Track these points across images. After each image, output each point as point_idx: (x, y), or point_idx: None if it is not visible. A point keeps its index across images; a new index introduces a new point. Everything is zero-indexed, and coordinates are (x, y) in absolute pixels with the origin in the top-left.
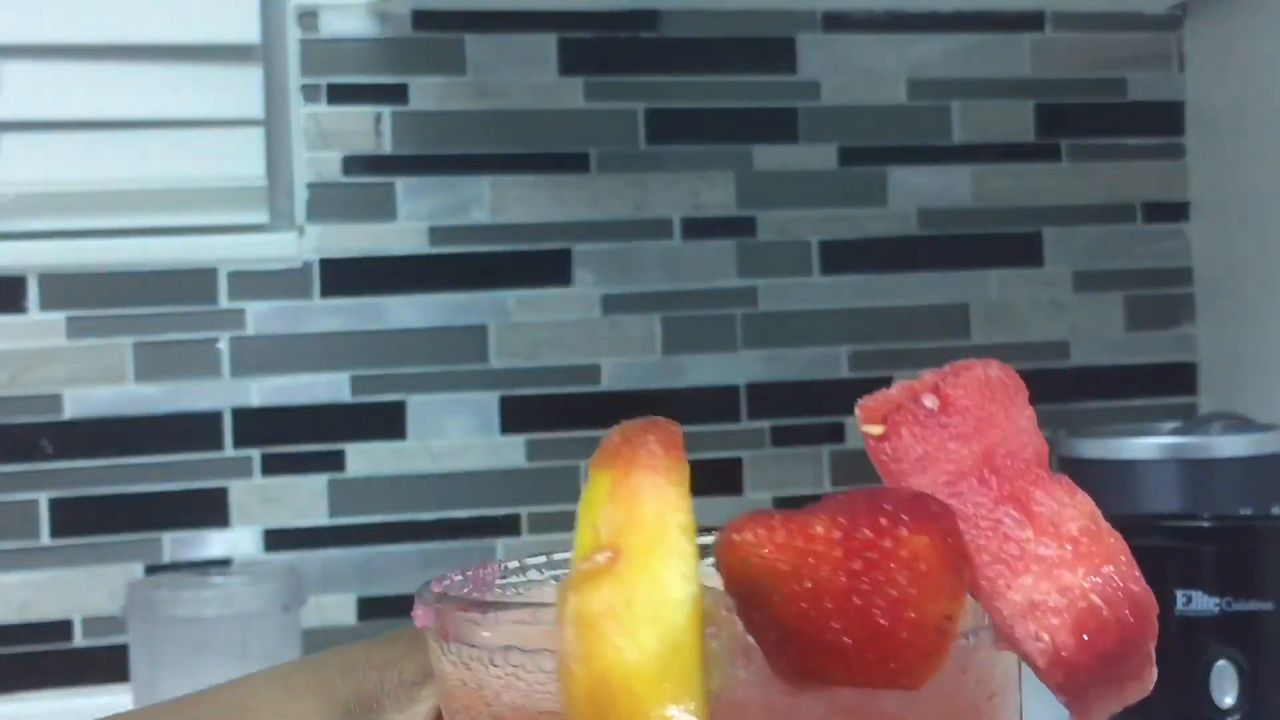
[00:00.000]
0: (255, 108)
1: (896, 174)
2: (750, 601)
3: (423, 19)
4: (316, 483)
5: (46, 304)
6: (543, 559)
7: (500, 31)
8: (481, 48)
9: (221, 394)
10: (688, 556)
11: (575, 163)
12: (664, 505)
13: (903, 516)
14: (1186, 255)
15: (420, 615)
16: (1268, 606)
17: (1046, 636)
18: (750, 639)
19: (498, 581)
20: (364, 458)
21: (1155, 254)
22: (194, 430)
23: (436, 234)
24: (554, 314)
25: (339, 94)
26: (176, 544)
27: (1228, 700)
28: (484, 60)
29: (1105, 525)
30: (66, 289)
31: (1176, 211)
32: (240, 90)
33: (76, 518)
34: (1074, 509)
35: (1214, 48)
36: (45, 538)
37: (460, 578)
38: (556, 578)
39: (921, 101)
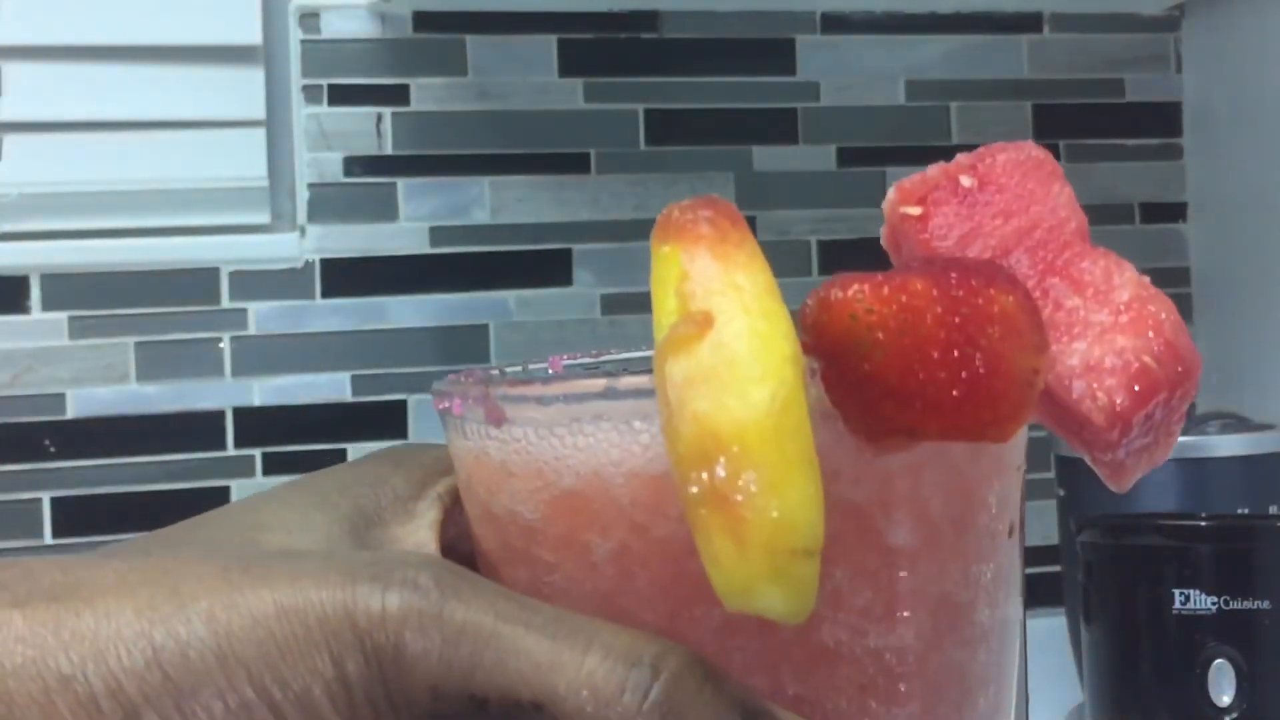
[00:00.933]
0: (257, 109)
1: (895, 175)
2: (848, 358)
3: (424, 20)
4: None
5: (49, 304)
6: (583, 360)
7: (501, 33)
8: (482, 49)
9: (223, 393)
10: (784, 316)
11: (575, 163)
12: (751, 269)
13: (992, 278)
14: (1184, 255)
15: (458, 403)
16: (1265, 605)
17: (1103, 395)
18: (827, 401)
19: (514, 375)
20: None
21: (1153, 254)
22: (196, 429)
23: (437, 234)
24: (554, 313)
25: (340, 95)
26: None
27: (1225, 698)
28: (484, 62)
29: (1153, 290)
30: (69, 289)
31: (1174, 212)
32: (242, 91)
33: (79, 516)
34: (1119, 276)
35: (1211, 48)
36: (48, 536)
37: (482, 373)
38: (612, 367)
39: (920, 102)
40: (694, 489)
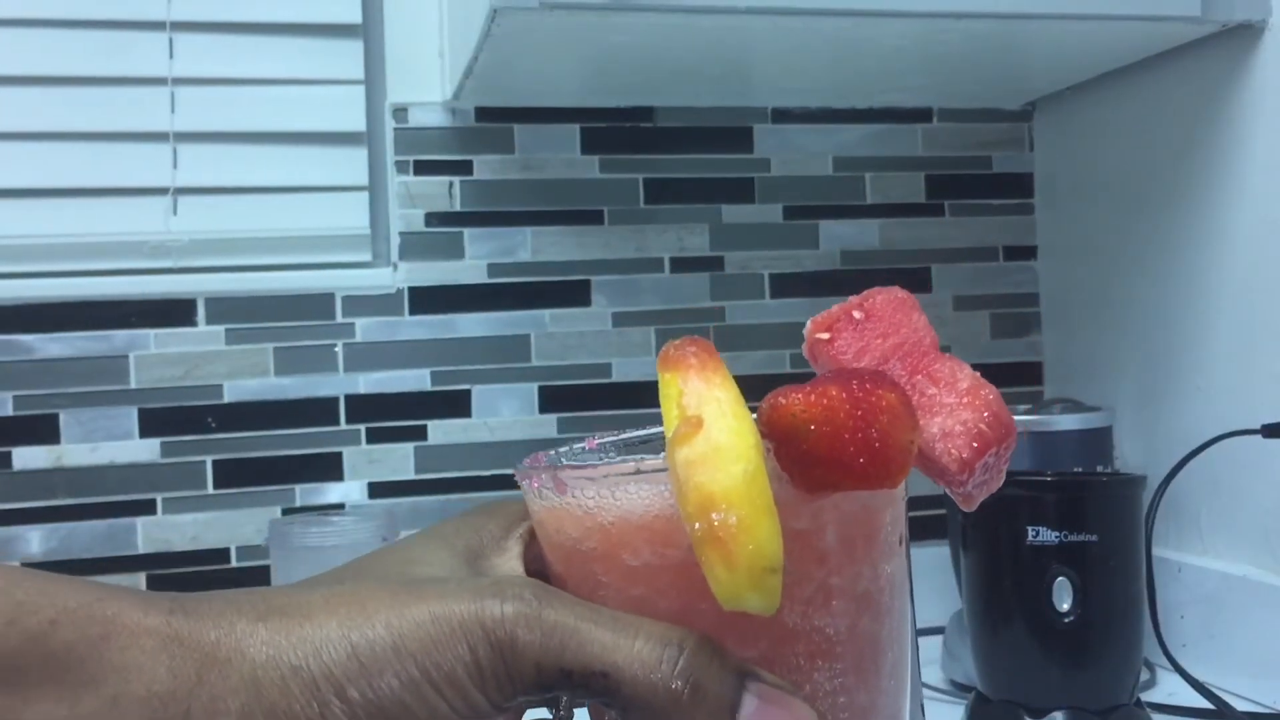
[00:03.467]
0: (361, 177)
1: (825, 225)
2: (790, 442)
3: (483, 114)
4: (406, 449)
5: (211, 319)
6: (610, 439)
7: (539, 123)
8: (526, 135)
9: (337, 384)
10: (748, 416)
11: (593, 217)
12: (724, 389)
13: (879, 383)
14: (1035, 284)
15: (536, 480)
16: (1094, 538)
17: (955, 452)
18: (779, 469)
19: (572, 458)
20: (441, 431)
21: (1012, 283)
22: (317, 411)
23: (493, 269)
24: (578, 326)
25: (422, 168)
26: (305, 493)
27: (1065, 605)
28: (527, 143)
29: (982, 380)
30: (225, 308)
31: (1027, 253)
32: (351, 165)
33: (232, 473)
34: (960, 373)
35: (1055, 134)
36: (210, 488)
37: (548, 456)
38: (622, 446)
39: (843, 173)
40: (698, 531)
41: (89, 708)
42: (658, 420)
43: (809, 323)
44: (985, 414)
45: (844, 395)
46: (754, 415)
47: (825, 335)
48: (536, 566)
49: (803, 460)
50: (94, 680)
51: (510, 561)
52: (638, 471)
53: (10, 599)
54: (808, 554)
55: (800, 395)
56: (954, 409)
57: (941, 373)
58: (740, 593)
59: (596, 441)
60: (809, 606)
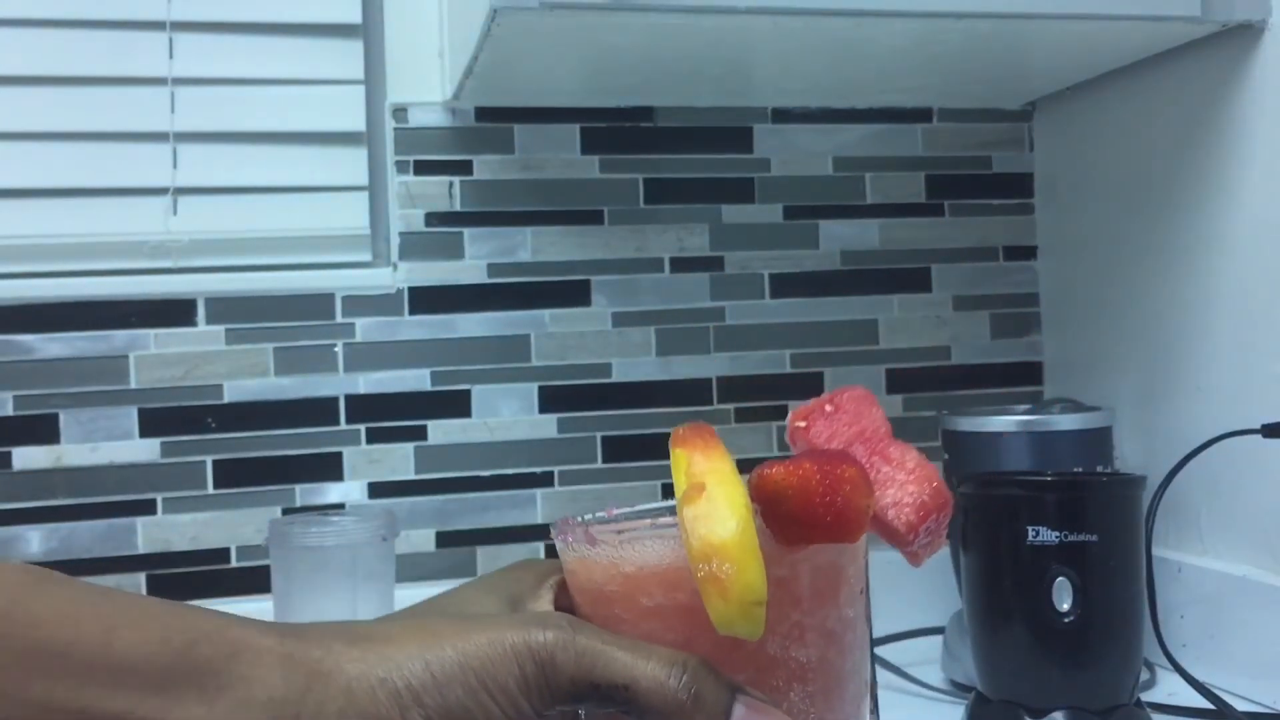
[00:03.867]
0: (361, 178)
1: (825, 225)
2: (773, 505)
3: (483, 114)
4: (406, 449)
5: (211, 319)
6: (625, 510)
7: (539, 123)
8: (525, 134)
9: (337, 384)
10: (741, 484)
11: (592, 217)
12: (722, 462)
13: (842, 460)
14: (1034, 284)
15: (570, 535)
16: (1093, 538)
17: (903, 517)
18: (764, 526)
19: (594, 521)
20: (441, 430)
21: (1012, 283)
22: (317, 410)
23: (493, 269)
24: (577, 326)
25: (422, 167)
26: (305, 493)
27: (1065, 605)
28: (527, 143)
29: (926, 462)
30: (225, 308)
31: (1027, 253)
32: (351, 165)
33: (232, 473)
34: (910, 456)
35: (1054, 134)
36: (210, 488)
37: (577, 520)
38: (634, 515)
39: (843, 173)
40: (701, 572)
41: (222, 709)
42: (659, 420)
43: (790, 413)
44: (928, 488)
45: (815, 469)
46: (745, 482)
47: (803, 423)
48: (565, 609)
49: (783, 519)
50: (226, 687)
51: (544, 605)
52: (653, 527)
53: (160, 623)
54: (786, 597)
55: (781, 468)
56: (903, 484)
57: (894, 455)
58: (733, 621)
59: (615, 511)
60: (786, 640)
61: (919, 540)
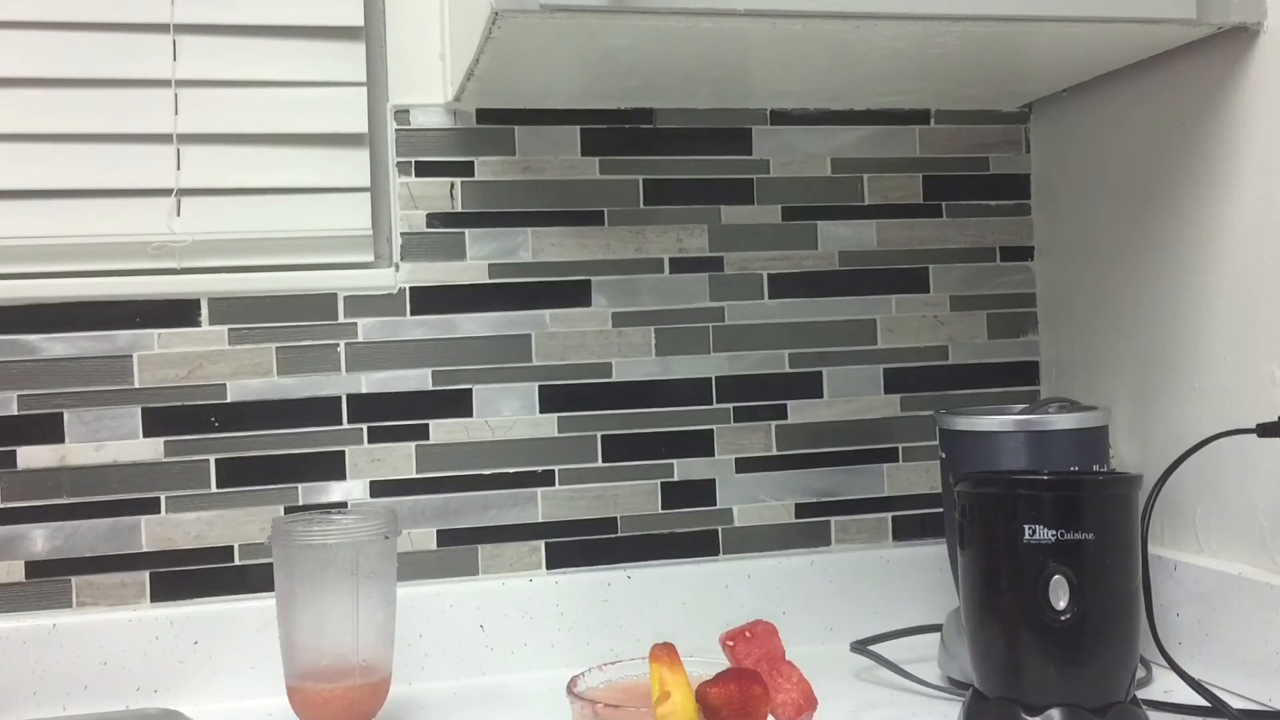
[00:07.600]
0: (363, 179)
1: (823, 226)
2: (711, 710)
3: (484, 115)
4: (408, 448)
5: (214, 319)
6: (613, 666)
7: (540, 124)
8: (526, 136)
9: (340, 384)
10: (691, 695)
11: (593, 218)
12: (682, 676)
13: (754, 680)
14: (1031, 285)
15: (582, 705)
16: (1090, 536)
17: (786, 712)
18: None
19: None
20: (442, 430)
21: (1008, 284)
22: (320, 410)
23: (494, 269)
24: (578, 326)
25: (424, 169)
26: (307, 491)
27: (1061, 603)
28: (528, 145)
29: (804, 679)
30: (228, 309)
31: (1024, 253)
32: (353, 167)
33: (235, 472)
34: (794, 672)
35: (1050, 136)
36: (213, 487)
37: (590, 678)
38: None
39: (841, 174)
40: None
41: None
42: (659, 420)
43: (722, 634)
44: (802, 694)
45: (736, 688)
46: (694, 691)
47: (731, 643)
48: None
49: (715, 717)
50: None
51: None
52: (639, 709)
53: None
54: None
55: (717, 689)
56: (788, 690)
57: (785, 670)
58: None
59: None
60: None
61: None
